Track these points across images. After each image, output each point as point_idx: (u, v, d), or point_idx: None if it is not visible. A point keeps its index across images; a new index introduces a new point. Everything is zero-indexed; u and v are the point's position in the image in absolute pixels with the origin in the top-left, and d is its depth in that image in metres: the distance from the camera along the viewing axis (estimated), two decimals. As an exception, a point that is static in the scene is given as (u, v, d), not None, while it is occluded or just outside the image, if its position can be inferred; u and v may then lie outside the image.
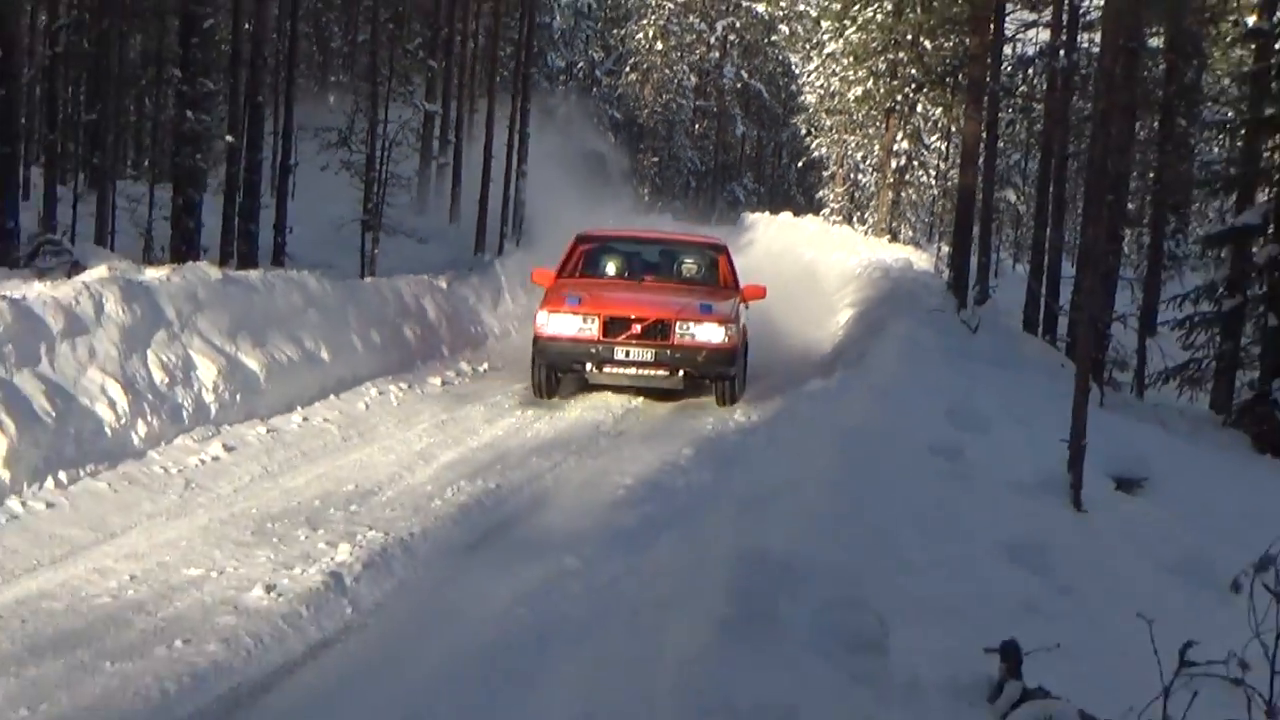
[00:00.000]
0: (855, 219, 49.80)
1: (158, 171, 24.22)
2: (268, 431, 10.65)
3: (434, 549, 7.81)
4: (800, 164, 62.66)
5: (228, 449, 9.86)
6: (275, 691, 5.46)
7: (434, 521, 8.33)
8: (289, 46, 23.89)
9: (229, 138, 21.55)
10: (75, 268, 14.57)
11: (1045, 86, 24.66)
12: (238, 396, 11.00)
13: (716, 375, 13.57)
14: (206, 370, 10.75)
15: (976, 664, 4.86)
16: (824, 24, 49.76)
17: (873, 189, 48.82)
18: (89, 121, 25.29)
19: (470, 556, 7.85)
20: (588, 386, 14.21)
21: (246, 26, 22.21)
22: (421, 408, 12.68)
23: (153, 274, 11.58)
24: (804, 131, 57.77)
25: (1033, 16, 25.41)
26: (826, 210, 52.51)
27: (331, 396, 12.38)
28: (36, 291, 10.00)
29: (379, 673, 5.73)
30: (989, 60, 24.20)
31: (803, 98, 58.59)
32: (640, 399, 13.96)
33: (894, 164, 44.53)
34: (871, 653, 4.83)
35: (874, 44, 37.91)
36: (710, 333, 13.32)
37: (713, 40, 65.00)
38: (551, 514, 8.99)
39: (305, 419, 11.37)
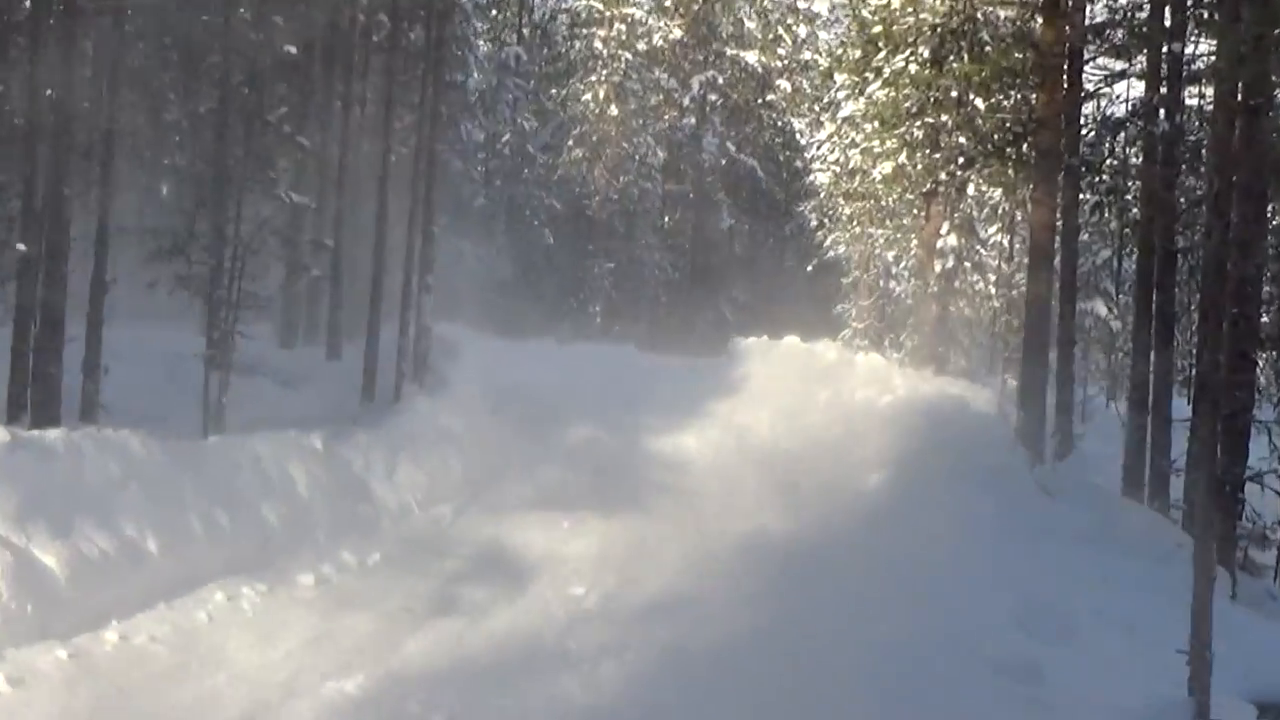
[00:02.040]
0: (888, 342, 50.24)
1: (-84, 293, 24.14)
2: (69, 657, 10.42)
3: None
4: (811, 267, 62.96)
5: (12, 683, 9.63)
6: None
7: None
8: (107, 118, 23.33)
9: (20, 245, 21.03)
10: None
11: (1140, 158, 25.43)
12: (29, 607, 10.82)
13: None
14: (-16, 572, 10.92)
15: None
16: (838, 78, 49.98)
17: (909, 301, 49.39)
18: None
19: None
20: (520, 576, 14.52)
21: (48, 92, 21.61)
22: (288, 617, 12.52)
23: (-96, 438, 11.65)
24: (814, 223, 59.09)
25: (1120, 65, 25.96)
26: (847, 332, 53.34)
27: (161, 604, 12.19)
28: None
29: None
30: (1063, 124, 25.03)
31: (812, 178, 59.53)
32: (596, 593, 14.13)
33: (938, 266, 44.47)
34: None
35: (907, 104, 38.12)
36: None
37: (687, 102, 66.13)
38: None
39: (123, 637, 11.15)
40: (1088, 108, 26.34)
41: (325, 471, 17.47)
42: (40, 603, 10.92)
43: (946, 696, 9.16)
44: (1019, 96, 28.27)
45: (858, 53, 42.68)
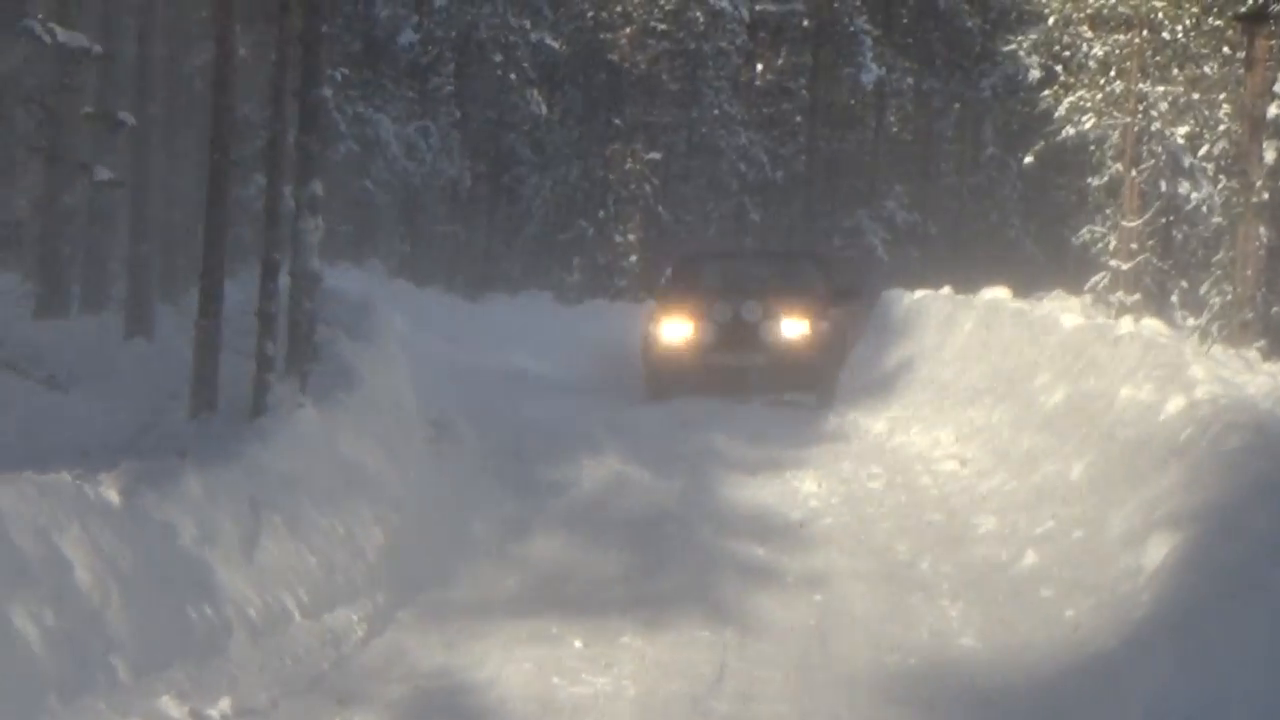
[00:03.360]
0: (1177, 297, 52.22)
1: None
2: None
3: None
4: (1031, 156, 64.19)
5: None
6: None
7: None
8: None
9: None
10: None
11: None
12: None
13: None
14: None
15: None
16: None
17: (1218, 219, 50.17)
18: None
19: None
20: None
21: None
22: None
23: None
24: (1036, 74, 60.06)
25: None
26: (1102, 277, 54.51)
27: None
28: None
29: None
30: None
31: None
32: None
33: (1270, 153, 44.90)
34: None
35: None
36: None
37: None
38: None
39: None
40: None
41: (128, 547, 17.07)
42: None
43: None
44: None
45: None
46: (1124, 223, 53.61)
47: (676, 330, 35.26)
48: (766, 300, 35.28)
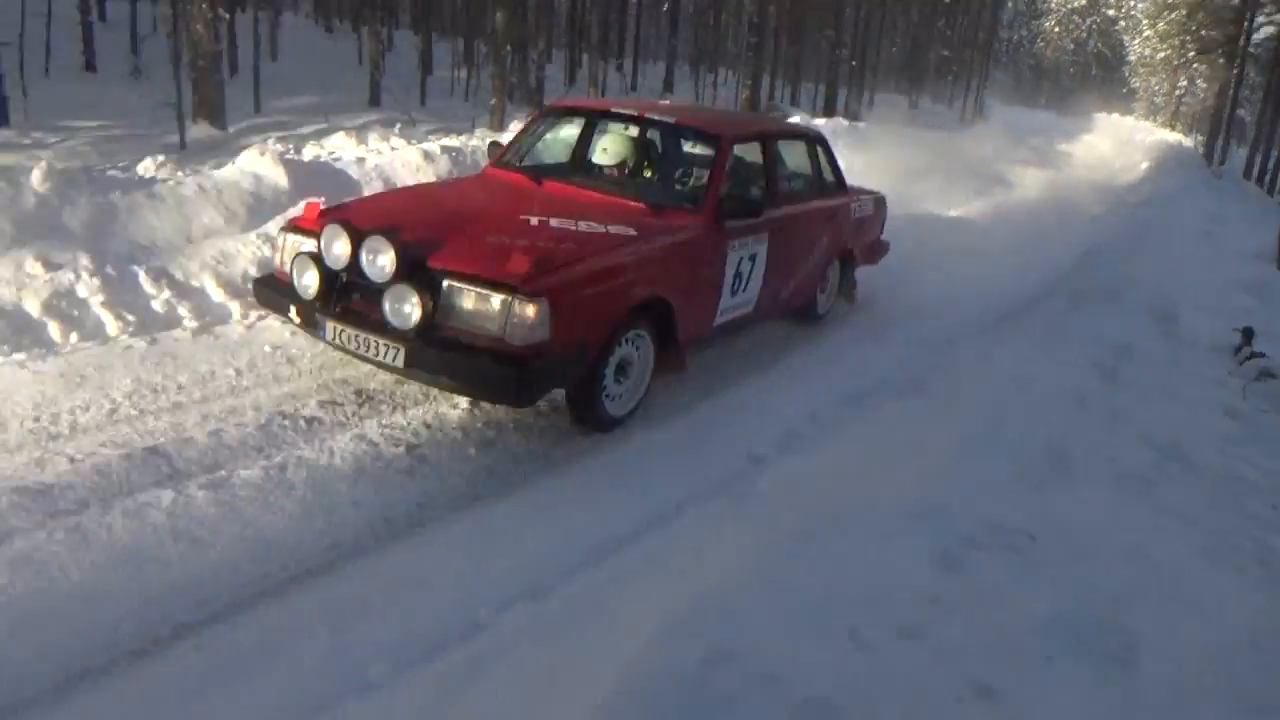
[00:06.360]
0: (1155, 119, 56.66)
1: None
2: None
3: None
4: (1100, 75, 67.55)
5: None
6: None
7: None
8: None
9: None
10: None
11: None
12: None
13: None
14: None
15: (1227, 336, 6.84)
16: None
17: (1163, 105, 55.76)
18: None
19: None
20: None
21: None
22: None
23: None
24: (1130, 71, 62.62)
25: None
26: (1136, 114, 60.27)
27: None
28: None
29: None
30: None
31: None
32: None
33: (1176, 93, 51.77)
34: (1170, 322, 6.75)
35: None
36: None
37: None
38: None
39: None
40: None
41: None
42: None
43: (1182, 239, 11.86)
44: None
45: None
46: (1138, 102, 61.86)
47: None
48: None
